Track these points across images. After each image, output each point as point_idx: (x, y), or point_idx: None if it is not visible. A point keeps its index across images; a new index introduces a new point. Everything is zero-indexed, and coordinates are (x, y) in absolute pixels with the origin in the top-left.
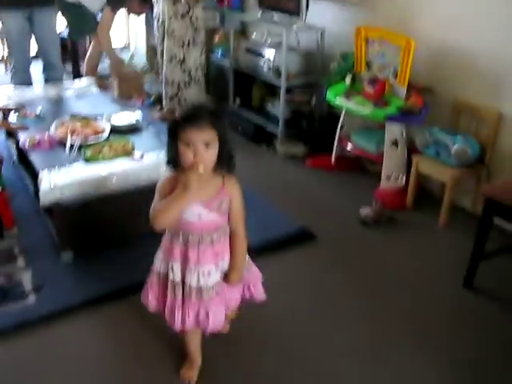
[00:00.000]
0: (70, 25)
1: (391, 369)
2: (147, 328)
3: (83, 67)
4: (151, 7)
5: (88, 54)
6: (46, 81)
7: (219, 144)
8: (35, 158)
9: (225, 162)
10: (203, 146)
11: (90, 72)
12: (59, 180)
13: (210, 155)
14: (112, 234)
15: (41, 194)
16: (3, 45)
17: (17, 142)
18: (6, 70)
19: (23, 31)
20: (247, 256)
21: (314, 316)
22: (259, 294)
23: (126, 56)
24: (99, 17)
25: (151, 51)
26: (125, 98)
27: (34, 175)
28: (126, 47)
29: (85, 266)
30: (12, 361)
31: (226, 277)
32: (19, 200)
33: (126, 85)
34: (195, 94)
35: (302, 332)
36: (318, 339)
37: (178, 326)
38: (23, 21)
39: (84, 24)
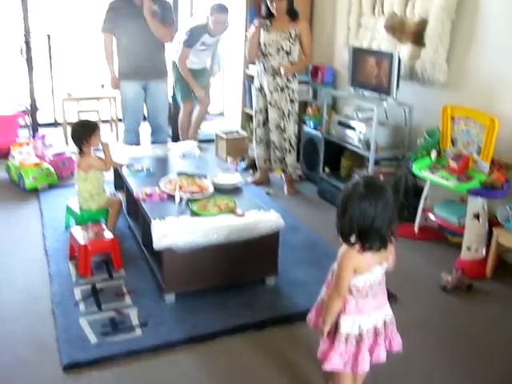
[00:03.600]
0: (177, 90)
1: None
2: (239, 369)
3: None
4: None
5: (180, 119)
6: (153, 142)
7: None
8: (147, 208)
9: None
10: None
11: (183, 134)
12: (170, 229)
13: None
14: (213, 282)
15: (154, 239)
16: (112, 108)
17: (127, 195)
18: (112, 130)
19: (138, 98)
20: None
21: (393, 370)
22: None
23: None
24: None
25: (245, 118)
26: (231, 159)
27: (144, 224)
28: (221, 114)
29: (185, 308)
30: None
31: None
32: (126, 245)
33: (232, 147)
34: (293, 161)
35: None
36: None
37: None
38: (139, 89)
39: (188, 91)
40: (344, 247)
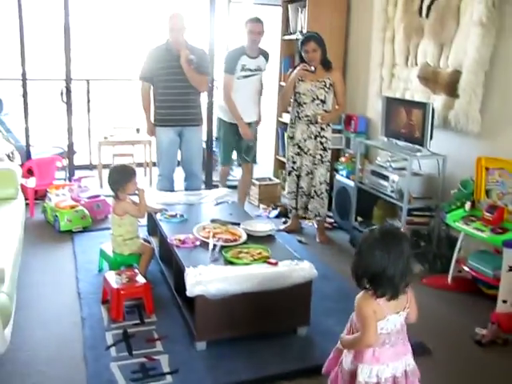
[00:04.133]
0: (219, 150)
1: None
2: None
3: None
4: None
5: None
6: (186, 188)
7: None
8: (181, 255)
9: None
10: None
11: (222, 183)
12: (203, 276)
13: None
14: (244, 330)
15: (188, 287)
16: (146, 152)
17: (161, 240)
18: (145, 175)
19: (173, 144)
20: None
21: None
22: None
23: None
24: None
25: (278, 165)
26: (263, 206)
27: (177, 270)
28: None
29: (216, 355)
30: None
31: None
32: (158, 290)
33: (265, 193)
34: (316, 208)
35: None
36: None
37: None
38: (175, 135)
39: (227, 155)
40: (360, 293)
